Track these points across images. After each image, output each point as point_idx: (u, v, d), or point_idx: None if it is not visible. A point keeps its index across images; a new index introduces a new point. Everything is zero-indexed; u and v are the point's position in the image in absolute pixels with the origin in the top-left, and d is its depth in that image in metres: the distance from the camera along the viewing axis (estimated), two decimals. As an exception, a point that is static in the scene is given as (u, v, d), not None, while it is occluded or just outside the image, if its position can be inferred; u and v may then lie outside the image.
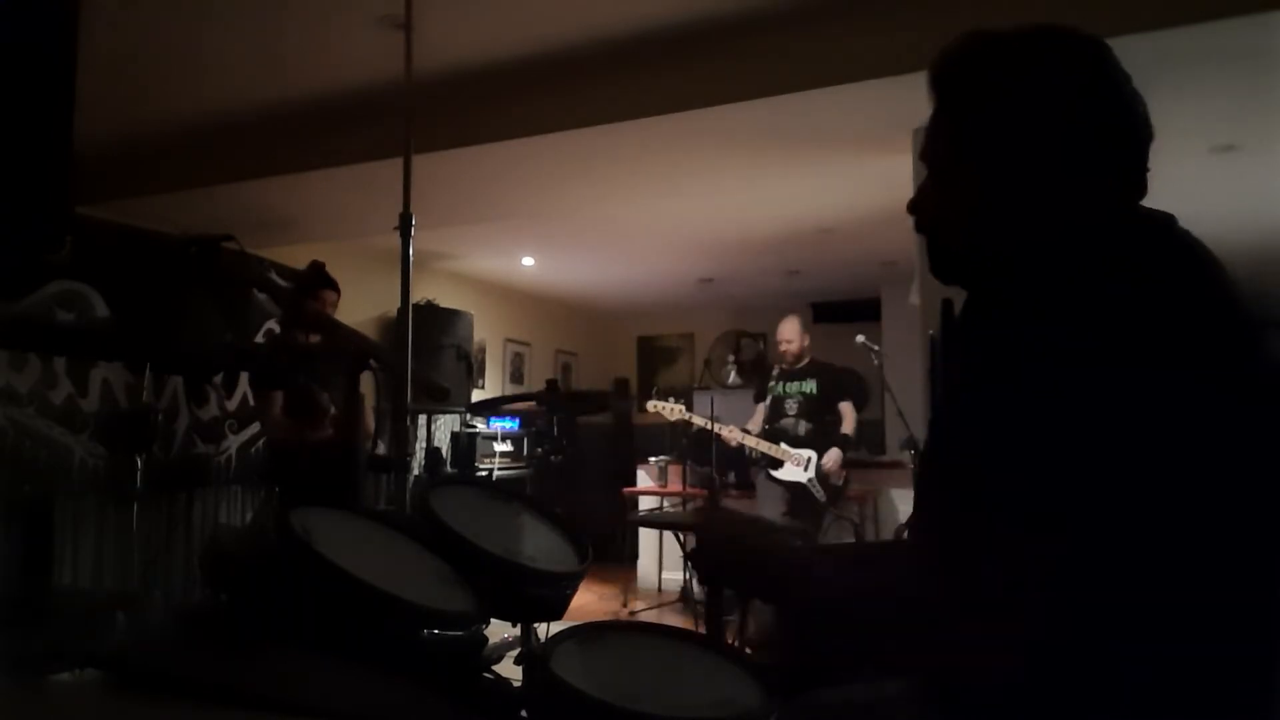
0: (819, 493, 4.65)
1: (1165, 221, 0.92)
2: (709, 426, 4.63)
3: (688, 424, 4.91)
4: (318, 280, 3.29)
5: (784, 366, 4.92)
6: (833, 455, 4.66)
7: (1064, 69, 0.94)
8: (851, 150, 3.68)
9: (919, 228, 1.05)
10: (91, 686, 1.05)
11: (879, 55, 2.89)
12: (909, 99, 3.02)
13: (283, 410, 3.72)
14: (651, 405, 5.00)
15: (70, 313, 4.21)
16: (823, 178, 4.29)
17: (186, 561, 4.41)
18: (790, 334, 4.89)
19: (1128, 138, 0.95)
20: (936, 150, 1.02)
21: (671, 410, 4.88)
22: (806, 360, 4.90)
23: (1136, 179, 0.95)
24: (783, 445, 4.71)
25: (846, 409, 4.86)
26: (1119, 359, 0.80)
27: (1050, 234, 0.92)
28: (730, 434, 4.74)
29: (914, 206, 1.05)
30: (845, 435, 4.79)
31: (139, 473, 2.75)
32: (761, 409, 4.97)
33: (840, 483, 4.75)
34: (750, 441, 4.75)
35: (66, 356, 4.00)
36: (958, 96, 0.99)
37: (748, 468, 5.65)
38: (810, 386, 4.84)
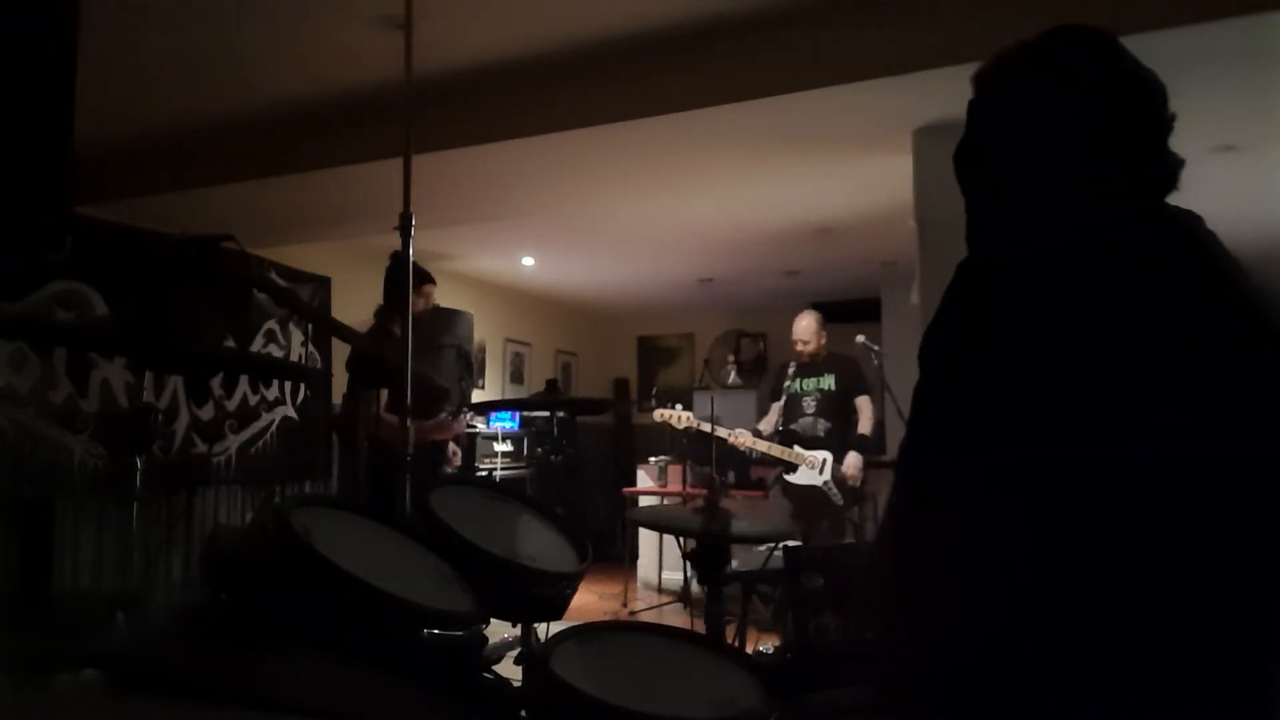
0: (836, 496, 4.48)
1: (1186, 219, 0.92)
2: (715, 430, 4.51)
3: (698, 429, 4.72)
4: (416, 275, 3.06)
5: (800, 361, 4.69)
6: (852, 460, 4.47)
7: (1073, 67, 0.96)
8: (851, 150, 3.68)
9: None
10: (91, 686, 1.05)
11: (879, 55, 2.89)
12: (909, 99, 3.05)
13: (388, 407, 3.37)
14: (658, 414, 4.86)
15: (70, 312, 4.21)
16: (823, 178, 4.28)
17: (186, 561, 4.40)
18: (806, 334, 4.66)
19: (1140, 133, 0.95)
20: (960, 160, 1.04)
21: (679, 418, 4.77)
22: (824, 355, 4.69)
23: (1153, 174, 0.95)
24: (796, 448, 4.53)
25: (864, 404, 4.65)
26: (1111, 350, 0.80)
27: (1056, 226, 0.92)
28: (739, 439, 4.54)
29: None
30: (863, 435, 4.58)
31: (139, 473, 2.75)
32: (775, 408, 4.74)
33: (859, 485, 4.54)
34: (762, 446, 4.55)
35: (67, 348, 3.99)
36: (981, 111, 1.02)
37: (748, 467, 5.60)
38: (829, 382, 4.64)
